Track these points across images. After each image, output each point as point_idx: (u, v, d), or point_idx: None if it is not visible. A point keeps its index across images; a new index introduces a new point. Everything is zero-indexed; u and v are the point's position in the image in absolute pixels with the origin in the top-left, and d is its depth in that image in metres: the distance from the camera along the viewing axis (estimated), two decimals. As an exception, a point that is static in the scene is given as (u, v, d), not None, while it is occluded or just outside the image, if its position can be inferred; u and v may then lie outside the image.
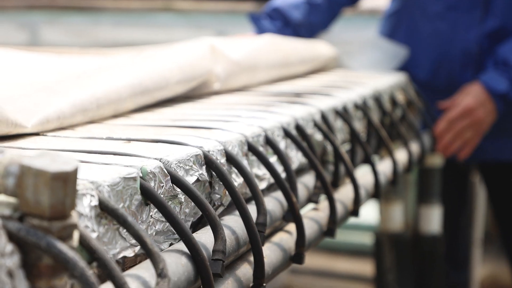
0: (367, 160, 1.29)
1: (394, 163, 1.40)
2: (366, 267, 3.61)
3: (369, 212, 2.67)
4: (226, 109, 1.15)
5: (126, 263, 0.71)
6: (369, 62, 1.98)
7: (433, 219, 1.91)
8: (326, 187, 1.05)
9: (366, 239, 3.76)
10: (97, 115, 1.02)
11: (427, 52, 2.06)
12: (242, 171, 0.88)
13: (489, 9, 2.00)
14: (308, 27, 2.01)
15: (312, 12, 2.03)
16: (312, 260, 4.21)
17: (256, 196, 0.87)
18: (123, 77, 1.08)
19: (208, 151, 0.85)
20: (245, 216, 0.81)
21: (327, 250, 4.34)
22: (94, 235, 0.64)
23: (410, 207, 1.90)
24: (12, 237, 0.54)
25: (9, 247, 0.53)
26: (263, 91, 1.40)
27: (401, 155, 1.51)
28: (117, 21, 3.34)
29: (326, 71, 1.85)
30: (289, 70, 1.62)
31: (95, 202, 0.64)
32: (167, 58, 1.19)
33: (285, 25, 1.99)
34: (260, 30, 1.98)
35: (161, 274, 0.63)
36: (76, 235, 0.56)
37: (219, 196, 0.87)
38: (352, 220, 3.93)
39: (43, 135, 0.92)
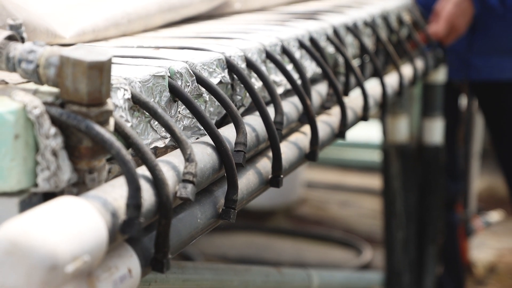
0: (376, 73, 1.28)
1: (400, 76, 1.40)
2: (374, 182, 3.63)
3: (378, 132, 2.69)
4: (246, 24, 1.15)
5: (158, 154, 0.71)
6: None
7: (436, 131, 1.91)
8: (338, 94, 1.05)
9: (375, 156, 3.78)
10: (129, 30, 1.02)
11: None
12: (261, 76, 0.88)
13: None
14: None
15: None
16: (325, 175, 4.24)
17: (274, 98, 0.88)
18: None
19: (230, 56, 0.85)
20: (264, 115, 0.81)
21: (339, 166, 4.37)
22: (129, 125, 0.65)
23: (414, 120, 1.91)
24: (54, 121, 0.55)
25: (53, 129, 0.54)
26: (280, 11, 1.40)
27: (407, 70, 1.50)
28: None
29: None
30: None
31: (128, 95, 0.64)
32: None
33: None
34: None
35: (188, 159, 0.64)
36: (111, 121, 0.57)
37: (240, 97, 0.88)
38: (362, 138, 3.92)
39: (78, 44, 0.92)
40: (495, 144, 2.26)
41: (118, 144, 0.53)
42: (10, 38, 0.57)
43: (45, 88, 0.57)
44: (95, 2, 1.03)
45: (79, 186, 0.57)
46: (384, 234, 1.91)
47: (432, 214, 1.95)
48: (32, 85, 0.59)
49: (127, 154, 0.53)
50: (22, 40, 0.58)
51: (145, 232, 0.60)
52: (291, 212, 3.71)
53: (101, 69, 0.54)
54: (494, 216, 3.26)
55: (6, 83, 0.60)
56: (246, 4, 1.32)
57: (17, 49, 0.56)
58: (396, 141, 1.88)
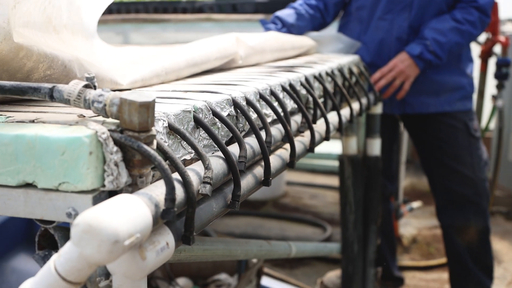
0: (334, 108, 1.28)
1: (351, 110, 1.40)
2: (334, 181, 3.62)
3: (337, 147, 2.67)
4: (246, 75, 1.15)
5: (185, 164, 0.71)
6: (335, 49, 1.97)
7: (375, 147, 1.91)
8: (308, 122, 1.05)
9: (335, 164, 3.78)
10: (166, 79, 1.02)
11: (373, 42, 2.03)
12: (256, 110, 0.88)
13: (411, 11, 1.97)
14: (297, 28, 1.99)
15: (299, 19, 2.00)
16: (300, 177, 4.23)
17: (265, 125, 0.87)
18: (182, 55, 1.08)
19: (235, 97, 0.84)
20: (258, 137, 0.81)
21: (310, 171, 4.36)
22: (166, 145, 0.65)
23: (361, 139, 1.90)
24: (116, 142, 0.55)
25: (115, 148, 0.54)
26: (269, 65, 1.39)
27: (355, 105, 1.50)
28: (177, 28, 3.30)
29: (308, 55, 1.84)
30: (285, 54, 1.60)
31: (165, 124, 0.65)
32: (209, 44, 1.19)
33: (282, 27, 1.97)
34: (267, 30, 1.97)
35: (207, 167, 0.64)
36: (155, 142, 0.57)
37: (242, 125, 0.87)
38: (326, 151, 3.89)
39: (132, 90, 0.92)
40: (420, 155, 2.25)
41: (159, 157, 0.54)
42: (86, 86, 0.58)
43: (110, 120, 0.57)
44: (143, 60, 1.03)
45: (132, 186, 0.57)
46: (341, 217, 1.91)
47: (373, 203, 1.95)
48: (101, 118, 0.59)
49: (165, 164, 0.54)
50: (94, 87, 0.58)
51: (178, 217, 0.60)
52: (277, 202, 3.70)
53: (148, 107, 0.54)
54: (415, 204, 3.26)
55: (84, 116, 0.61)
56: (246, 61, 1.32)
57: (91, 94, 0.56)
58: (349, 153, 1.87)
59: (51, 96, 0.57)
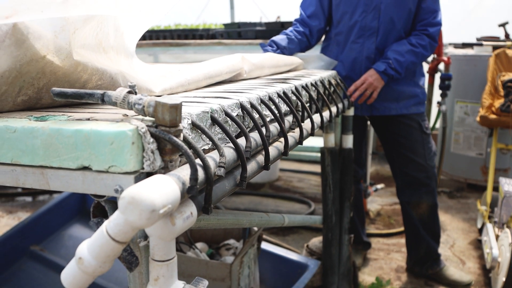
0: (317, 110, 1.28)
1: (330, 112, 1.39)
2: (317, 168, 3.62)
3: (319, 141, 2.66)
4: (249, 85, 1.14)
5: (205, 152, 0.71)
6: (318, 66, 1.96)
7: (348, 141, 1.90)
8: (298, 122, 1.04)
9: (318, 154, 3.77)
10: (188, 88, 1.01)
11: (347, 60, 2.03)
12: (258, 111, 0.88)
13: (377, 37, 1.97)
14: (288, 50, 1.98)
15: (290, 42, 2.00)
16: (291, 165, 4.22)
17: (265, 123, 0.87)
18: (200, 70, 1.07)
19: (242, 102, 0.84)
20: (260, 132, 0.80)
21: (298, 160, 4.36)
22: (190, 137, 0.65)
23: (337, 135, 1.90)
24: (152, 135, 0.55)
25: (151, 139, 0.54)
26: (267, 78, 1.39)
27: (333, 109, 1.50)
28: (195, 50, 3.29)
29: (297, 70, 1.83)
30: (279, 69, 1.59)
31: (190, 122, 0.65)
32: (221, 61, 1.18)
33: (277, 49, 1.96)
34: (265, 51, 1.96)
35: (221, 154, 0.64)
36: (181, 135, 0.57)
37: (247, 123, 0.87)
38: (311, 144, 3.88)
39: (163, 96, 0.91)
40: (384, 147, 2.24)
41: (185, 146, 0.54)
42: (129, 92, 0.58)
43: (148, 118, 0.58)
44: (171, 74, 1.02)
45: (165, 169, 0.57)
46: (322, 195, 1.90)
47: (347, 185, 1.94)
48: (140, 117, 0.60)
49: (190, 152, 0.54)
50: (135, 93, 0.58)
51: (199, 193, 0.60)
52: (272, 185, 3.69)
53: (176, 108, 0.54)
54: (379, 186, 3.26)
55: (127, 115, 0.61)
56: (249, 75, 1.32)
57: (133, 98, 0.56)
58: (328, 146, 1.86)
59: (103, 100, 0.57)
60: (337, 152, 1.89)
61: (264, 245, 2.03)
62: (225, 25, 3.29)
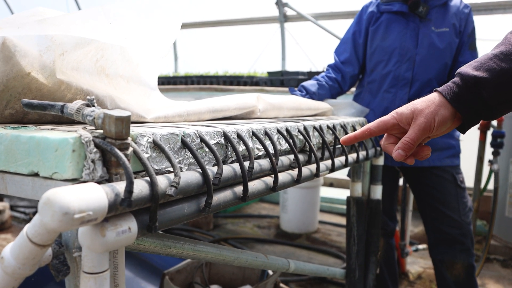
0: (329, 154, 1.23)
1: (346, 157, 1.33)
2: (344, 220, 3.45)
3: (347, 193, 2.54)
4: (257, 122, 1.13)
5: (167, 173, 0.70)
6: (348, 113, 1.93)
7: (377, 192, 1.81)
8: (297, 160, 1.00)
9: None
10: (187, 119, 1.01)
11: (379, 108, 1.98)
12: (244, 142, 0.86)
13: (411, 88, 1.91)
14: (318, 95, 1.98)
15: (320, 88, 1.99)
16: (332, 218, 4.07)
17: (250, 155, 0.84)
18: (204, 103, 1.08)
19: (226, 131, 0.82)
20: (240, 163, 0.78)
21: (341, 214, 4.20)
22: (147, 156, 0.64)
23: (365, 184, 1.81)
24: (96, 145, 0.55)
25: (94, 149, 0.55)
26: (284, 119, 1.36)
27: (353, 155, 1.43)
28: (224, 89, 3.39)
29: (327, 116, 1.81)
30: (301, 112, 1.56)
31: (150, 140, 0.64)
32: (231, 97, 1.18)
33: (306, 94, 1.97)
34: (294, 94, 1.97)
35: (176, 174, 0.62)
36: (130, 149, 0.57)
37: (230, 152, 0.84)
38: (341, 197, 3.74)
39: (154, 123, 0.92)
40: (416, 201, 2.11)
41: (124, 158, 0.53)
42: (87, 105, 0.59)
43: (98, 130, 0.58)
44: (173, 105, 1.04)
45: (109, 181, 0.56)
46: (346, 248, 1.80)
47: (373, 238, 1.83)
48: (91, 127, 0.61)
49: (128, 164, 0.53)
50: (93, 106, 0.59)
51: (145, 211, 0.59)
52: (310, 236, 3.56)
53: (122, 120, 0.54)
54: (421, 246, 3.03)
55: (85, 128, 0.62)
56: (265, 114, 1.29)
57: (86, 110, 0.58)
58: (355, 195, 1.79)
59: (62, 111, 0.60)
60: (364, 203, 1.80)
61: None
62: (269, 73, 3.37)
